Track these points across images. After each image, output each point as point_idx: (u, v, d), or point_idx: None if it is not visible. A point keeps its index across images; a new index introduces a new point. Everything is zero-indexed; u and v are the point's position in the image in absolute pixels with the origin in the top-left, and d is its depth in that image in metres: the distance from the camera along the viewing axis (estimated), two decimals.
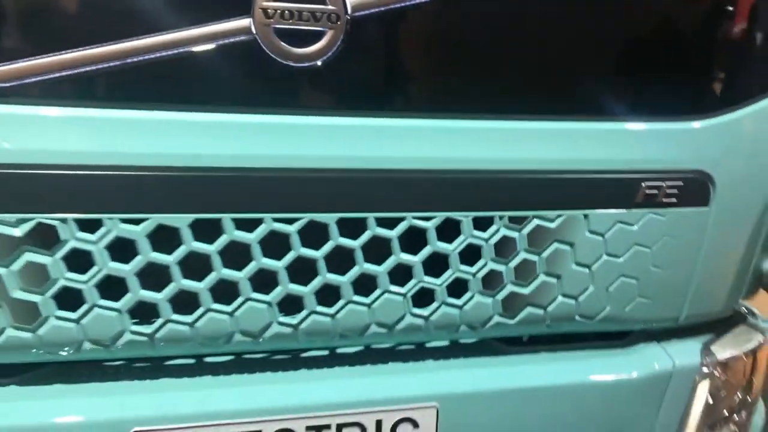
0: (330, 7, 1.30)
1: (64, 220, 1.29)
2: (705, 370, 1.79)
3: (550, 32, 1.45)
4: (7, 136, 1.24)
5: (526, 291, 1.58)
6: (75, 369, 1.44)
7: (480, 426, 1.61)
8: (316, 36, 1.31)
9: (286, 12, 1.29)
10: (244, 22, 1.28)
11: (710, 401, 1.84)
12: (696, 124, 1.58)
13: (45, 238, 1.29)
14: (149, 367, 1.49)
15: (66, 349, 1.37)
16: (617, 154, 1.55)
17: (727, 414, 1.91)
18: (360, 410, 1.52)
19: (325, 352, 1.59)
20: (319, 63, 1.32)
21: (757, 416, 2.02)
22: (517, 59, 1.45)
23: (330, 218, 1.41)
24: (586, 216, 1.56)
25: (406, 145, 1.42)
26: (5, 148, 1.24)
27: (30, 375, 1.43)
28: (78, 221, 1.30)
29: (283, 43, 1.30)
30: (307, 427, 1.49)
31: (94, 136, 1.29)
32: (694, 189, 1.62)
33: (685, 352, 1.78)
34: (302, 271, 1.44)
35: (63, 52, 1.22)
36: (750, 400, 1.94)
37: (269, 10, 1.28)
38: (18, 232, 1.28)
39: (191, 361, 1.54)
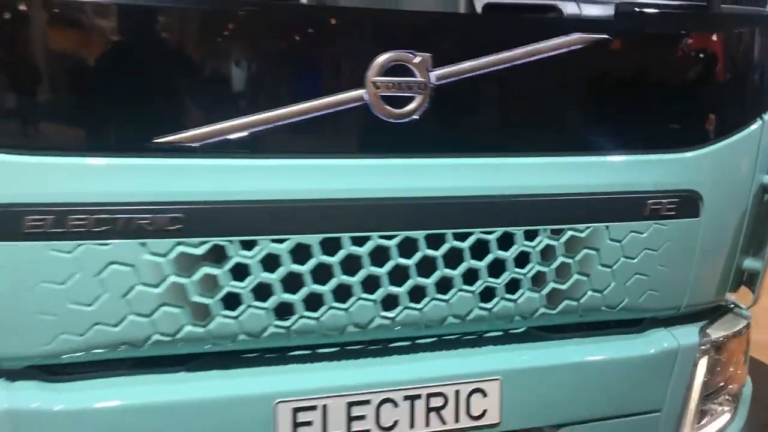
0: (420, 79, 1.78)
1: (230, 242, 1.75)
2: (703, 348, 2.27)
3: (579, 90, 1.96)
4: (199, 181, 1.70)
5: (564, 287, 2.05)
6: (228, 357, 1.88)
7: (533, 394, 2.06)
8: (409, 100, 1.79)
9: (388, 84, 1.77)
10: (359, 93, 1.76)
11: (708, 374, 2.31)
12: (687, 155, 2.08)
13: (216, 256, 1.74)
14: (285, 354, 1.92)
15: (226, 340, 1.81)
16: (628, 179, 2.04)
17: (722, 384, 2.38)
18: (443, 383, 1.97)
19: (417, 341, 2.03)
20: (412, 119, 1.80)
21: (746, 387, 2.49)
22: (557, 113, 1.95)
23: (419, 234, 1.88)
24: (607, 227, 2.04)
25: (474, 177, 1.90)
26: (200, 189, 1.70)
27: (196, 363, 1.86)
28: (241, 242, 1.75)
29: (386, 106, 1.78)
30: (404, 397, 1.93)
31: (249, 179, 1.75)
32: (687, 204, 2.11)
33: (686, 335, 2.25)
34: (398, 275, 1.89)
35: (238, 118, 1.69)
36: (739, 373, 2.42)
37: (377, 83, 1.76)
38: (199, 251, 1.73)
39: (309, 351, 1.97)
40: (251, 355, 1.91)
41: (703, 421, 2.36)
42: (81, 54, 1.65)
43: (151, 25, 1.69)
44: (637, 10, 2.02)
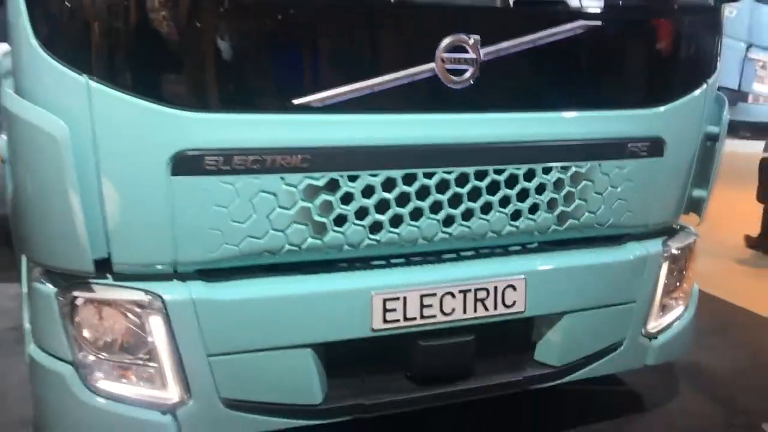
0: (472, 56, 2.46)
1: (341, 176, 2.39)
2: (665, 255, 3.04)
3: (581, 64, 2.68)
4: (321, 132, 2.34)
5: (569, 209, 2.77)
6: (337, 264, 2.53)
7: (547, 289, 2.79)
8: (465, 70, 2.47)
9: (451, 59, 2.44)
10: (429, 66, 2.42)
11: (669, 276, 3.09)
12: (655, 111, 2.83)
13: (331, 186, 2.39)
14: (375, 261, 2.60)
15: (335, 250, 2.47)
16: (615, 128, 2.77)
17: (678, 284, 3.17)
18: (485, 281, 2.67)
19: (467, 254, 2.73)
20: (468, 84, 2.47)
21: (694, 289, 3.29)
22: (566, 80, 2.67)
23: (470, 170, 2.56)
24: (599, 164, 2.77)
25: (509, 127, 2.60)
26: (322, 137, 2.34)
27: (315, 267, 2.50)
28: (348, 176, 2.40)
29: (450, 74, 2.45)
30: (459, 290, 2.63)
31: (354, 130, 2.40)
32: (655, 147, 2.86)
33: (653, 246, 3.02)
34: (454, 201, 2.58)
35: (346, 85, 2.33)
36: (690, 276, 3.21)
37: (443, 59, 2.42)
38: (320, 183, 2.37)
39: (392, 259, 2.65)
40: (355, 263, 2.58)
41: (665, 313, 3.16)
42: (248, 47, 2.28)
43: (286, 25, 2.32)
44: (623, 3, 2.75)
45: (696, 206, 3.17)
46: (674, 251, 3.09)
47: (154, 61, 2.21)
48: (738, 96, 11.49)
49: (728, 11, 10.99)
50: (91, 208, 2.20)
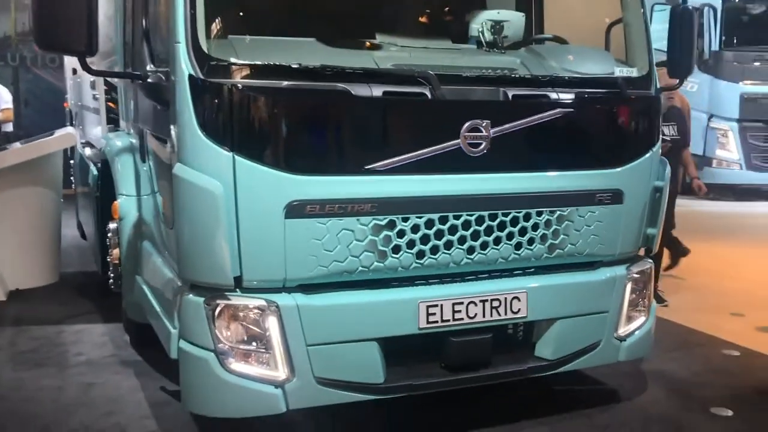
0: (485, 134, 3.54)
1: (397, 218, 3.44)
2: (628, 277, 4.08)
3: (562, 137, 3.78)
4: (383, 188, 3.40)
5: (556, 242, 3.82)
6: (392, 281, 3.55)
7: (543, 300, 3.81)
8: (480, 144, 3.55)
9: (471, 136, 3.52)
10: (456, 142, 3.51)
11: (632, 293, 4.13)
12: (616, 170, 3.92)
13: (390, 225, 3.43)
14: (420, 279, 3.61)
15: (392, 271, 3.49)
16: (587, 183, 3.86)
17: (639, 300, 4.21)
18: (498, 293, 3.70)
19: (484, 274, 3.75)
20: (482, 153, 3.55)
21: (653, 304, 4.32)
22: (552, 150, 3.76)
23: (485, 213, 3.62)
24: (577, 209, 3.83)
25: (513, 183, 3.67)
26: (384, 191, 3.39)
27: (379, 282, 3.51)
28: (402, 218, 3.45)
29: (470, 147, 3.53)
30: (480, 300, 3.65)
31: (404, 185, 3.46)
32: (616, 197, 3.94)
33: (620, 270, 4.07)
34: (475, 235, 3.62)
35: (398, 156, 3.40)
36: (648, 294, 4.25)
37: (465, 136, 3.51)
38: (382, 222, 3.42)
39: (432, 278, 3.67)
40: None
41: (631, 321, 4.17)
42: (334, 135, 3.40)
43: (358, 120, 3.40)
44: (589, 92, 3.87)
45: (649, 241, 4.23)
46: (635, 275, 4.14)
47: (274, 143, 3.28)
48: (703, 161, 12.76)
49: (689, 86, 12.41)
50: (231, 241, 3.23)
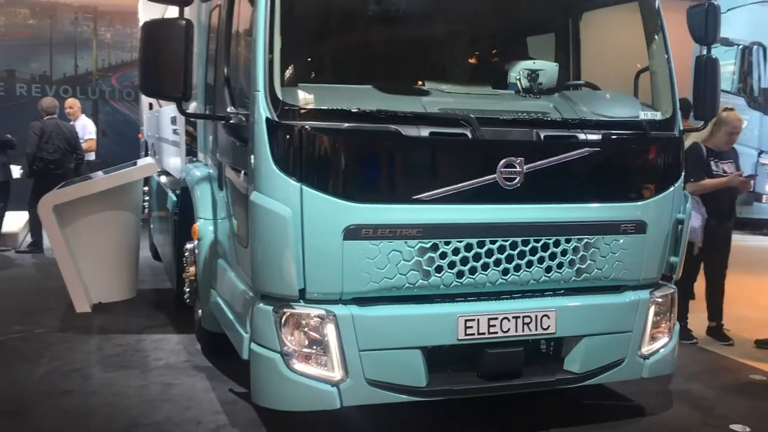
0: (519, 169, 4.04)
1: (440, 241, 3.95)
2: (652, 301, 4.49)
3: (590, 173, 4.25)
4: (429, 215, 3.92)
5: (584, 267, 4.27)
6: (435, 297, 4.05)
7: (572, 319, 4.25)
8: (514, 178, 4.04)
9: (506, 172, 4.03)
10: (492, 176, 4.01)
11: (655, 315, 4.53)
12: (640, 203, 4.36)
13: (433, 247, 3.95)
14: (459, 296, 4.10)
15: (435, 288, 3.99)
16: (614, 214, 4.31)
17: (663, 322, 4.60)
18: (529, 311, 4.16)
19: (517, 293, 4.22)
20: (516, 186, 4.04)
21: (675, 326, 4.71)
22: (582, 185, 4.23)
23: (518, 238, 4.10)
24: (603, 237, 4.28)
25: (545, 212, 4.15)
26: (429, 218, 3.91)
27: (423, 298, 4.02)
28: (444, 242, 3.96)
29: (505, 180, 4.03)
30: (513, 316, 4.11)
31: (447, 213, 3.98)
32: (640, 227, 4.37)
33: (643, 294, 4.48)
34: (509, 259, 4.10)
35: (443, 188, 3.93)
36: (671, 317, 4.64)
37: (501, 171, 4.01)
38: (427, 245, 3.94)
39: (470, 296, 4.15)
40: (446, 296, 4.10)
41: (654, 341, 4.57)
42: (384, 170, 3.97)
43: (406, 157, 3.94)
44: (615, 134, 4.33)
45: (672, 268, 4.63)
46: (658, 299, 4.55)
47: (335, 176, 3.84)
48: (753, 196, 12.90)
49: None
50: (298, 259, 3.79)
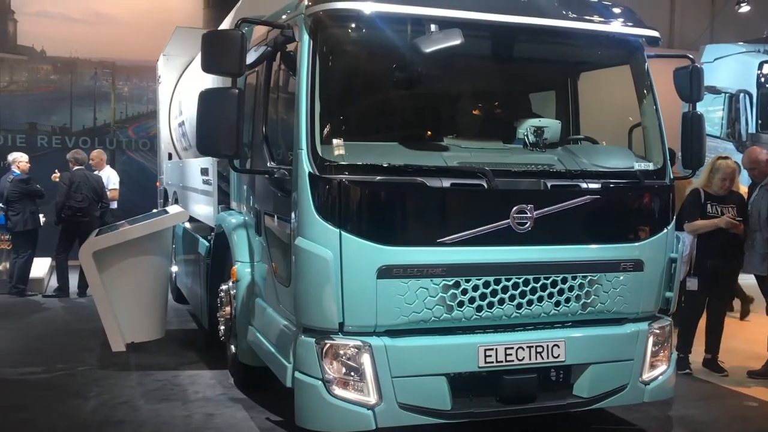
0: (530, 215, 4.58)
1: (461, 279, 4.47)
2: (650, 332, 4.99)
3: (591, 218, 4.79)
4: (451, 256, 4.45)
5: (588, 301, 4.78)
6: (457, 329, 4.55)
7: (579, 348, 4.74)
8: (525, 223, 4.58)
9: (518, 217, 4.57)
10: (506, 221, 4.55)
11: (653, 345, 5.02)
12: (637, 244, 4.90)
13: (456, 285, 4.46)
14: (478, 328, 4.60)
15: (456, 321, 4.50)
16: (614, 254, 4.84)
17: (660, 351, 5.09)
18: (541, 341, 4.66)
19: (530, 325, 4.72)
20: (527, 230, 4.58)
21: (672, 355, 5.19)
22: (589, 228, 4.77)
23: (530, 276, 4.62)
24: (605, 275, 4.80)
25: (554, 253, 4.68)
26: (451, 259, 4.44)
27: (446, 330, 4.52)
28: (464, 279, 4.48)
29: (518, 225, 4.56)
30: (526, 346, 4.61)
31: (465, 254, 4.50)
32: (638, 265, 4.90)
33: (642, 326, 4.99)
34: (522, 294, 4.62)
35: (460, 234, 4.46)
36: (668, 346, 5.13)
37: (514, 217, 4.55)
38: (450, 282, 4.45)
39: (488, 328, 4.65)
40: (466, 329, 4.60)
41: (654, 368, 5.05)
42: (411, 221, 4.48)
43: (428, 205, 4.48)
44: (613, 183, 4.88)
45: (667, 302, 5.14)
46: (656, 330, 5.05)
47: (369, 222, 4.39)
48: None
49: None
50: (337, 296, 4.30)
